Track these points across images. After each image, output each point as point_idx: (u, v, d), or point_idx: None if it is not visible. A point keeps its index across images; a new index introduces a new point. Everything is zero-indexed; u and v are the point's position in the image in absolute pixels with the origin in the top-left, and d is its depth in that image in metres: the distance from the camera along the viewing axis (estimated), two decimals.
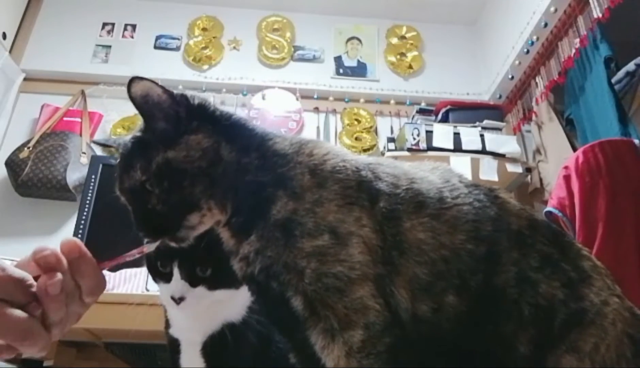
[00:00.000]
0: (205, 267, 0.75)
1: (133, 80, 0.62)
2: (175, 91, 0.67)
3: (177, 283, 0.74)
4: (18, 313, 0.51)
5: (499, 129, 2.51)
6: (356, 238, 0.61)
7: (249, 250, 0.63)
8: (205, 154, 0.64)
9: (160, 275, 0.77)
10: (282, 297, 0.60)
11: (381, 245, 0.62)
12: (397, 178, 0.67)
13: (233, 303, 0.79)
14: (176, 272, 0.75)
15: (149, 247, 0.66)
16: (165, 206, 0.63)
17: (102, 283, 0.59)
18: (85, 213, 2.04)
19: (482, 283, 0.62)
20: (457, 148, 2.36)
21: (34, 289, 0.52)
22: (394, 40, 3.16)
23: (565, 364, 0.60)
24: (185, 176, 0.63)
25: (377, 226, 0.63)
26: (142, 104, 0.64)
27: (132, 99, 0.63)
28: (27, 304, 0.52)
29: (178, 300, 0.74)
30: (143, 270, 1.23)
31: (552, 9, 2.41)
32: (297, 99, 2.93)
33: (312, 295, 0.59)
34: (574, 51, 2.33)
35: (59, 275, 0.53)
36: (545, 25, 2.48)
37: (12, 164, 2.45)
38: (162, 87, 0.64)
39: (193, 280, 0.75)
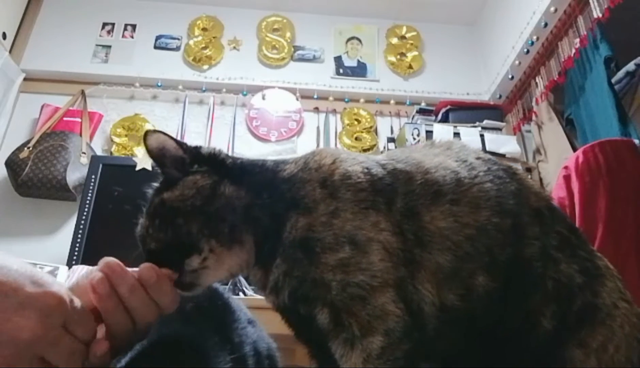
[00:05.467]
0: None
1: (148, 132, 0.67)
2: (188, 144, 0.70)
3: None
4: (77, 344, 0.53)
5: (499, 129, 2.50)
6: (376, 245, 0.60)
7: (278, 274, 0.62)
8: (199, 193, 0.64)
9: None
10: (310, 320, 0.61)
11: (402, 247, 0.61)
12: (410, 174, 0.66)
13: None
14: None
15: None
16: (159, 244, 0.63)
17: (177, 296, 0.61)
18: (85, 213, 2.04)
19: (512, 256, 0.63)
20: None
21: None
22: (394, 40, 3.16)
23: (572, 357, 0.61)
24: (178, 214, 0.63)
25: (396, 228, 0.62)
26: (157, 155, 0.67)
27: (149, 150, 0.67)
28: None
29: None
30: None
31: (552, 9, 2.41)
32: (297, 99, 2.93)
33: (338, 304, 0.59)
34: (574, 51, 2.33)
35: (106, 343, 0.55)
36: (545, 25, 2.47)
37: (12, 164, 2.44)
38: (173, 138, 0.68)
39: None
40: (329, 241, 0.60)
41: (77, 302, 0.54)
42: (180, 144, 0.68)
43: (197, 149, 0.69)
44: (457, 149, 0.72)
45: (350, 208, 0.62)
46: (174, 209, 0.64)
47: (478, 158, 0.70)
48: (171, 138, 0.67)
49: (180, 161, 0.67)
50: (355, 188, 0.63)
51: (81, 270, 1.73)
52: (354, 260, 0.59)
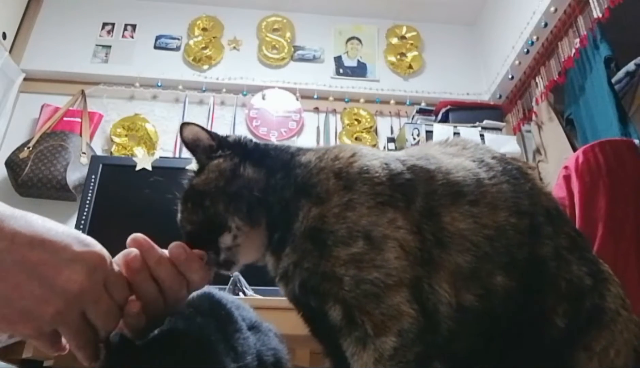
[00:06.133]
0: None
1: (183, 125, 0.72)
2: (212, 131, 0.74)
3: None
4: (113, 304, 0.56)
5: (499, 129, 2.51)
6: (392, 242, 0.59)
7: (288, 263, 0.62)
8: (222, 175, 0.68)
9: None
10: (321, 312, 0.60)
11: (419, 247, 0.60)
12: (431, 173, 0.65)
13: None
14: None
15: None
16: (194, 226, 0.67)
17: (208, 275, 0.64)
18: (85, 213, 2.04)
19: (528, 256, 0.63)
20: None
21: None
22: (394, 40, 3.16)
23: (576, 360, 0.61)
24: (205, 196, 0.67)
25: (414, 227, 0.61)
26: (192, 145, 0.72)
27: (184, 141, 0.73)
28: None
29: None
30: None
31: (552, 9, 2.41)
32: (297, 99, 2.93)
33: (351, 301, 0.58)
34: (574, 51, 2.33)
35: (139, 303, 0.59)
36: (545, 25, 2.48)
37: (12, 164, 2.45)
38: (205, 129, 0.72)
39: None
40: (341, 234, 0.59)
41: (115, 266, 0.58)
42: (211, 134, 0.72)
43: (224, 137, 0.73)
44: (472, 148, 0.72)
45: (365, 202, 0.61)
46: (202, 192, 0.68)
47: (493, 158, 0.70)
48: (204, 129, 0.72)
49: (209, 149, 0.71)
50: (373, 181, 0.62)
51: None
52: (368, 256, 0.58)
